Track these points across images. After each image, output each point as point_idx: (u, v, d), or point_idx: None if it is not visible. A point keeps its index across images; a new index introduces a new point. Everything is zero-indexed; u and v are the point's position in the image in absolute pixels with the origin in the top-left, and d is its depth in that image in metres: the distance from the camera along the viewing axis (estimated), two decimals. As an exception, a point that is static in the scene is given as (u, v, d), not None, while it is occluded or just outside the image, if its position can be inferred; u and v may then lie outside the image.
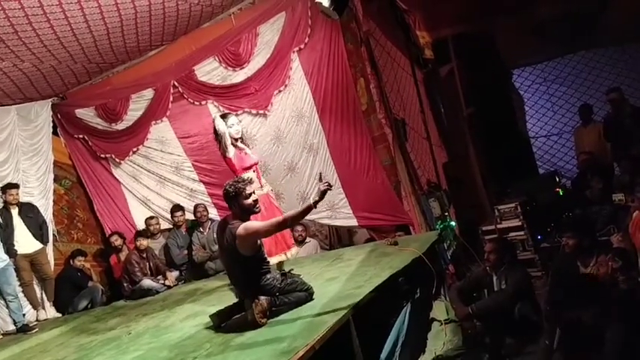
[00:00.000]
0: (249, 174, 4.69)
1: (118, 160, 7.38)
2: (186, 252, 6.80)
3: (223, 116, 4.91)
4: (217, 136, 4.76)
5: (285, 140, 6.66)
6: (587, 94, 8.45)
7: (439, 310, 4.81)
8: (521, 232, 5.88)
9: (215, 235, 3.85)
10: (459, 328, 4.52)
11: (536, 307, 4.37)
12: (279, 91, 6.50)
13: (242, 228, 3.57)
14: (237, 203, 3.70)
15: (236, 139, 4.81)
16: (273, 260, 4.62)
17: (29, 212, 6.39)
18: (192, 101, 6.87)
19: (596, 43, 8.18)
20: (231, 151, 4.74)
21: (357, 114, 6.30)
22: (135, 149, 7.28)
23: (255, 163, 4.86)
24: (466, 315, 4.39)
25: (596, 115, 7.46)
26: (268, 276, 3.77)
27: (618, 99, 6.76)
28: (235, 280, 3.96)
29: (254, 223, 3.69)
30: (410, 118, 6.82)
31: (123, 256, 6.83)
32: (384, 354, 3.71)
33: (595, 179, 5.92)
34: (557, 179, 6.93)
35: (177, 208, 7.04)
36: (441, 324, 4.63)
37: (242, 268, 3.71)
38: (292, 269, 4.91)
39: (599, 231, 4.71)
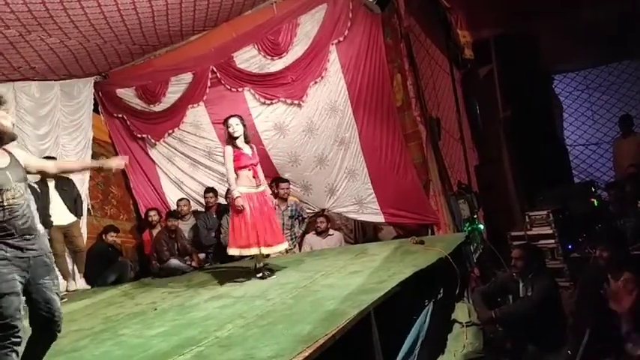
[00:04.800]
0: (245, 172, 4.99)
1: (153, 140, 7.55)
2: (213, 234, 6.92)
3: (226, 120, 5.16)
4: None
5: (317, 132, 6.70)
6: (629, 105, 8.22)
7: (461, 312, 4.79)
8: (552, 241, 5.75)
9: None
10: (481, 331, 4.49)
11: (561, 316, 4.30)
12: (315, 83, 6.53)
13: None
14: None
15: (234, 138, 5.04)
16: (249, 252, 5.00)
17: (65, 185, 6.57)
18: (229, 87, 6.95)
19: (642, 53, 7.95)
20: (228, 151, 5.01)
21: (391, 110, 6.29)
22: (170, 131, 7.42)
23: (253, 164, 5.08)
24: (489, 319, 4.34)
25: (637, 127, 7.25)
26: None
27: (662, 111, 6.58)
28: None
29: None
30: (444, 118, 6.77)
31: (156, 232, 6.99)
32: (403, 351, 3.72)
33: (612, 192, 5.81)
34: (593, 189, 6.76)
35: (209, 189, 7.22)
36: (462, 326, 4.60)
37: None
38: (267, 264, 5.24)
39: (630, 244, 4.59)
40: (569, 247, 5.79)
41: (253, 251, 4.98)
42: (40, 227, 2.89)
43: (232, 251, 5.02)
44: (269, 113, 6.83)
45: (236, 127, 5.04)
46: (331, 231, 6.70)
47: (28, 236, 2.73)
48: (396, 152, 6.32)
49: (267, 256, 5.25)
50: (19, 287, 2.62)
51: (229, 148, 5.04)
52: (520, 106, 7.60)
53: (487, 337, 4.40)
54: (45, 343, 2.80)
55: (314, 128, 6.69)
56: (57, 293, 2.89)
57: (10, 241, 2.65)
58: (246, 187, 5.00)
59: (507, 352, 4.20)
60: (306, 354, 2.87)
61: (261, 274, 5.02)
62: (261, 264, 5.13)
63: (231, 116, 5.17)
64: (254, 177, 5.07)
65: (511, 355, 4.17)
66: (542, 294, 4.24)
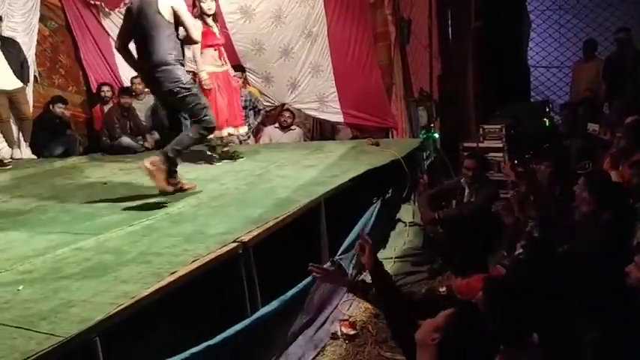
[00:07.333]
0: (211, 51, 4.96)
1: (108, 9, 6.98)
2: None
3: None
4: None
5: (284, 21, 6.44)
6: (597, 31, 8.22)
7: (406, 212, 5.00)
8: (500, 154, 5.99)
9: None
10: (422, 231, 4.73)
11: (498, 224, 4.55)
12: (287, -34, 6.16)
13: None
14: None
15: (207, 15, 4.94)
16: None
17: (11, 47, 6.13)
18: (194, -42, 6.43)
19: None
20: (198, 25, 4.81)
21: (363, 6, 6.08)
22: (127, 1, 6.87)
23: (219, 44, 5.06)
24: (431, 220, 4.55)
25: (601, 54, 7.33)
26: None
27: (625, 39, 6.65)
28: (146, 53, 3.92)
29: None
30: (415, 21, 6.59)
31: (108, 109, 6.73)
32: (347, 241, 3.88)
33: (565, 113, 6.02)
34: (547, 109, 6.94)
35: None
36: (406, 225, 4.82)
37: (158, 36, 3.83)
38: (236, 151, 5.33)
39: (575, 164, 4.82)
40: (516, 162, 6.03)
41: (221, 132, 5.01)
42: None
43: None
44: (235, -7, 6.44)
45: (210, 4, 4.92)
46: (293, 126, 6.66)
47: None
48: (363, 51, 6.19)
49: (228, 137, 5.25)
50: None
51: (199, 24, 4.79)
52: (491, 19, 7.49)
53: (427, 236, 4.63)
54: None
55: (282, 16, 6.41)
56: None
57: None
58: (213, 66, 4.97)
59: (443, 252, 4.46)
60: (255, 233, 2.96)
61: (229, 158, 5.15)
62: (226, 148, 5.22)
63: None
64: (220, 57, 5.03)
65: (446, 254, 4.43)
66: (485, 201, 4.47)
